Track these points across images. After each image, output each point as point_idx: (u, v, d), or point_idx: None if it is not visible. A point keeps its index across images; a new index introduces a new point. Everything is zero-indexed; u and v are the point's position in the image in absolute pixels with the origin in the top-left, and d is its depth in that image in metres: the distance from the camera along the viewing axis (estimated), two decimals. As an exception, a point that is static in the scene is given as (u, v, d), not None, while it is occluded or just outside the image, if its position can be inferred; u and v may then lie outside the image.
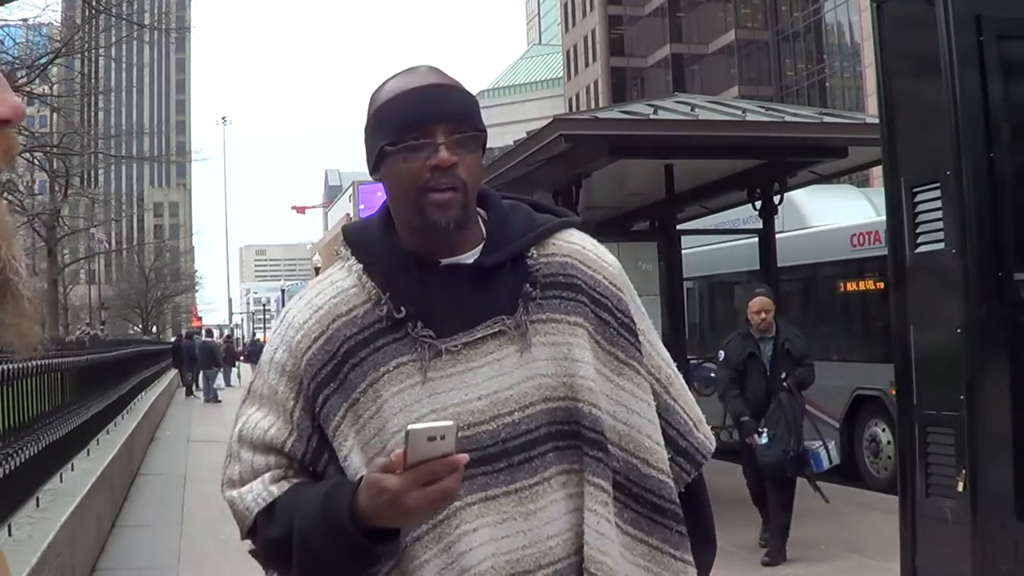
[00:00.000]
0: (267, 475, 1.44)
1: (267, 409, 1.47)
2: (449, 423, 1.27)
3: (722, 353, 6.76)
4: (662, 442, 1.51)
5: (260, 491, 1.43)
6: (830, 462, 6.59)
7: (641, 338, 1.54)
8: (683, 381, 1.62)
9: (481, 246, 1.47)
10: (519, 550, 1.37)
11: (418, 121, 1.40)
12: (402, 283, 1.43)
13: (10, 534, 4.61)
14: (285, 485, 1.43)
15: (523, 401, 1.41)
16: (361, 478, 1.33)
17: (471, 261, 1.46)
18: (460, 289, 1.44)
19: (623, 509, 1.46)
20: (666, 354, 1.61)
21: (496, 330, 1.42)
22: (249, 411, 1.49)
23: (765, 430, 6.32)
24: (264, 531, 1.42)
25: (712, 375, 8.55)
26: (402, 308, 1.41)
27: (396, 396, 1.39)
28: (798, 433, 6.34)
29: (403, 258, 1.45)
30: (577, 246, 1.53)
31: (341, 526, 1.31)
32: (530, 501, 1.39)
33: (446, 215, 1.40)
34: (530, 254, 1.49)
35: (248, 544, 1.54)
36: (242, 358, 39.25)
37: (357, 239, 1.52)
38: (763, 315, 6.48)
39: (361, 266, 1.47)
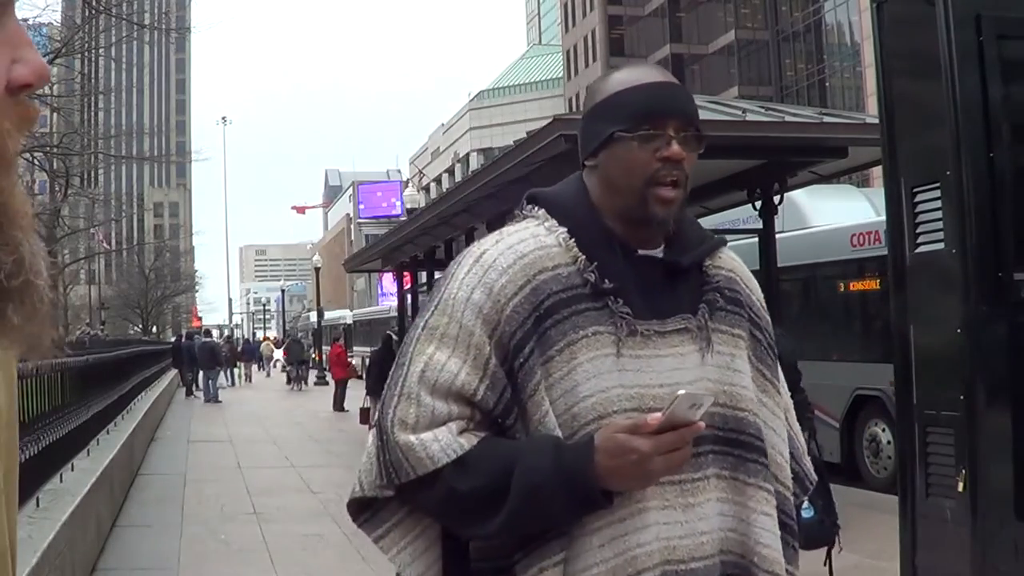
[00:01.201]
0: (452, 424, 1.39)
1: (452, 350, 1.40)
2: (709, 395, 1.36)
3: None
4: (789, 461, 1.60)
5: (449, 441, 1.37)
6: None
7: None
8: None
9: (663, 244, 1.54)
10: (676, 539, 1.42)
11: (655, 112, 1.47)
12: (606, 258, 1.46)
13: (10, 534, 4.61)
14: (472, 438, 1.39)
15: None
16: (591, 437, 1.37)
17: (661, 256, 1.53)
18: (652, 280, 1.50)
19: None
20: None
21: (682, 327, 1.49)
22: (429, 350, 1.41)
23: (806, 501, 4.43)
24: (453, 482, 1.36)
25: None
26: (606, 280, 1.44)
27: (591, 362, 1.42)
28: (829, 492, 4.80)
29: (609, 236, 1.49)
30: (737, 263, 1.63)
31: (582, 481, 1.34)
32: (691, 495, 1.44)
33: (667, 210, 1.48)
34: (707, 263, 1.57)
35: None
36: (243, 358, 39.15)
37: (555, 205, 1.53)
38: None
39: (565, 230, 1.48)
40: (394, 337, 15.90)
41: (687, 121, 1.50)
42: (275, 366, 41.89)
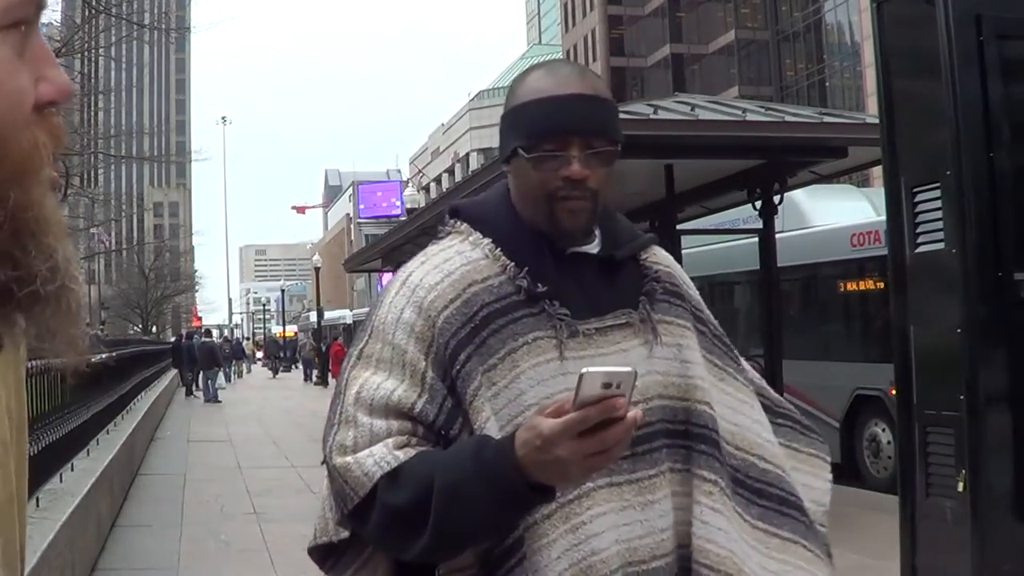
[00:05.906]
0: (390, 440, 1.34)
1: (388, 371, 1.39)
2: (628, 369, 1.19)
3: None
4: (774, 439, 1.57)
5: (384, 455, 1.33)
6: None
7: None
8: None
9: (598, 240, 1.52)
10: (636, 539, 1.39)
11: (555, 133, 1.43)
12: (536, 262, 1.44)
13: (10, 534, 4.61)
14: (411, 451, 1.34)
15: (646, 394, 1.43)
16: (515, 430, 1.28)
17: (595, 252, 1.50)
18: (587, 277, 1.48)
19: (749, 505, 1.50)
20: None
21: (623, 321, 1.47)
22: (364, 374, 1.40)
23: None
24: (386, 498, 1.31)
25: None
26: (539, 284, 1.42)
27: (534, 368, 1.39)
28: None
29: (535, 239, 1.46)
30: (672, 261, 1.62)
31: (501, 474, 1.23)
32: (648, 492, 1.41)
33: (575, 222, 1.45)
34: (643, 257, 1.55)
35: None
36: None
37: (478, 216, 1.51)
38: None
39: (490, 240, 1.46)
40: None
41: (594, 136, 1.44)
42: (256, 363, 51.72)
